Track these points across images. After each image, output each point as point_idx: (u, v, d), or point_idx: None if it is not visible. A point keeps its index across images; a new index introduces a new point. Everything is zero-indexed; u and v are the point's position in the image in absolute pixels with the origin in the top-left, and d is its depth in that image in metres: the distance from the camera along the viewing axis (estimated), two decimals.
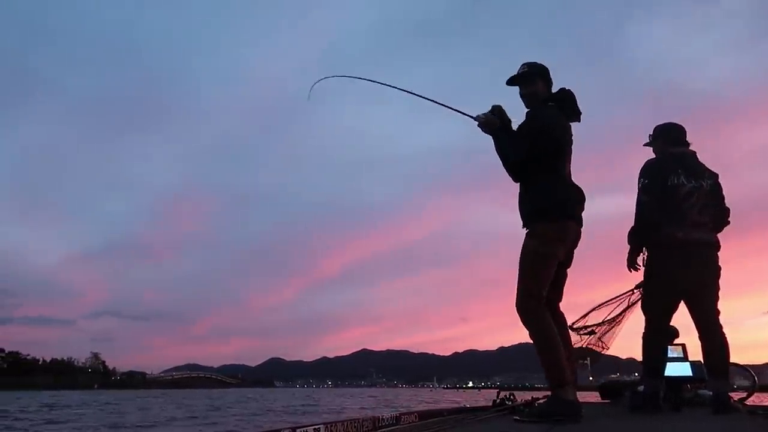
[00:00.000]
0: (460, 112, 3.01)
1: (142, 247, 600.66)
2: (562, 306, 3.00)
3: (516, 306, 2.77)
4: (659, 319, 3.64)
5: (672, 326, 4.09)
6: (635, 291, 4.24)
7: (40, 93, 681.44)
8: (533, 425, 2.56)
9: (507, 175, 2.94)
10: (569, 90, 2.95)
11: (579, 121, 2.95)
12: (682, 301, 3.61)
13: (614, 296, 4.50)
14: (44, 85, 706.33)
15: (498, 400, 3.91)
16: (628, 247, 3.74)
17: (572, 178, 2.97)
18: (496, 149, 2.89)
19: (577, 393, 2.71)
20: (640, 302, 3.90)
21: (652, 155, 3.83)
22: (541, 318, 2.70)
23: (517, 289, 2.79)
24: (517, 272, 2.83)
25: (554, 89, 2.99)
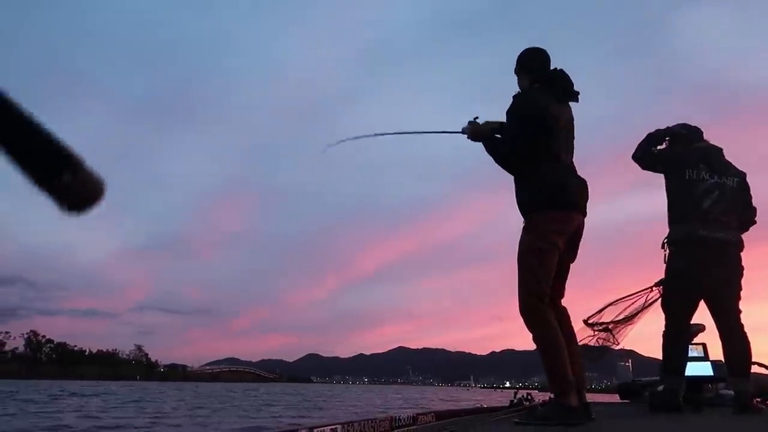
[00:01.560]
0: (447, 132, 2.89)
1: (184, 243, 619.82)
2: (570, 301, 2.78)
3: (519, 309, 2.58)
4: (679, 318, 3.52)
5: (698, 323, 4.02)
6: (654, 289, 4.06)
7: (84, 94, 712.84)
8: (544, 428, 2.50)
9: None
10: (560, 70, 2.76)
11: (575, 101, 2.76)
12: (702, 301, 3.51)
13: (632, 292, 4.29)
14: (88, 85, 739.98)
15: (515, 401, 3.86)
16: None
17: (579, 171, 2.76)
18: (488, 152, 2.74)
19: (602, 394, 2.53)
20: (659, 301, 3.74)
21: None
22: (543, 319, 2.52)
23: (518, 288, 2.59)
24: (517, 277, 2.62)
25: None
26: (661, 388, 3.78)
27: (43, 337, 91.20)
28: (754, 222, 3.63)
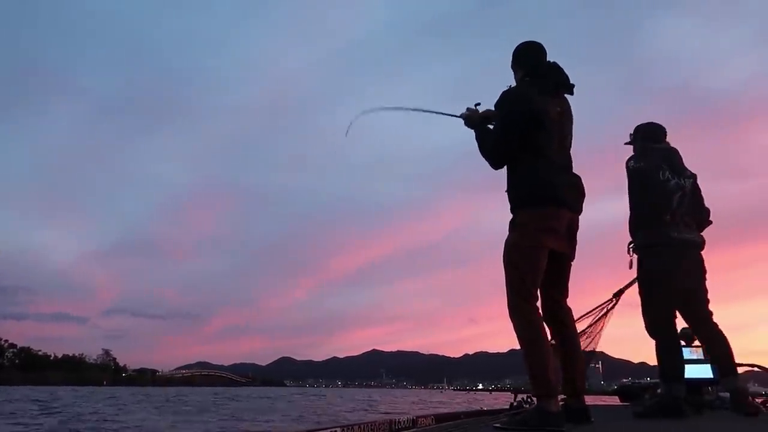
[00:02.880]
0: (446, 114, 2.84)
1: (156, 245, 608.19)
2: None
3: (508, 311, 2.48)
4: (666, 323, 3.49)
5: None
6: (613, 299, 4.06)
7: (55, 93, 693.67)
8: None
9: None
10: (553, 63, 2.69)
11: (571, 93, 2.69)
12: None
13: (592, 308, 4.30)
14: (60, 85, 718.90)
15: (515, 403, 3.82)
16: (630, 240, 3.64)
17: (574, 168, 2.66)
18: (479, 141, 2.70)
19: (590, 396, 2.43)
20: (639, 308, 3.64)
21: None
22: (528, 320, 2.43)
23: (507, 294, 2.49)
24: (505, 280, 2.52)
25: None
26: (660, 390, 3.74)
27: (6, 341, 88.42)
28: (710, 222, 3.69)
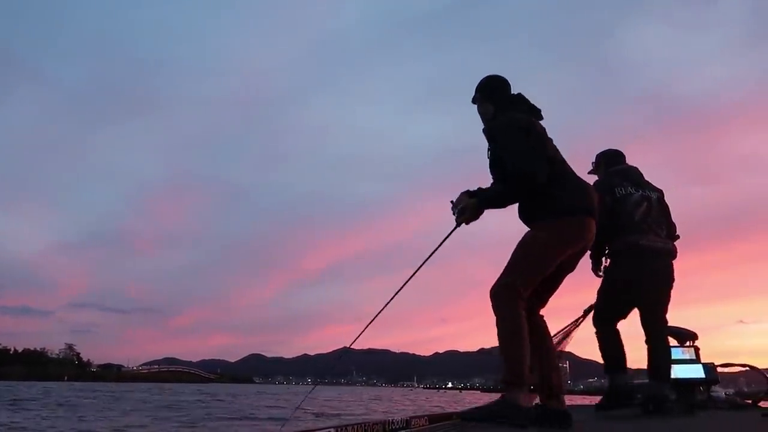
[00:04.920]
0: (451, 232, 2.60)
1: (124, 238, 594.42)
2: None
3: (491, 290, 2.40)
4: (611, 317, 3.65)
5: (690, 330, 4.38)
6: (583, 315, 4.09)
7: (22, 81, 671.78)
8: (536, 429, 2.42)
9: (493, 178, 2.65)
10: (518, 94, 2.74)
11: (541, 118, 2.73)
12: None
13: (563, 327, 4.31)
14: (27, 73, 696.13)
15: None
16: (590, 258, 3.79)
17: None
18: (497, 204, 2.55)
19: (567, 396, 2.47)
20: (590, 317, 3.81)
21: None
22: (513, 307, 2.35)
23: (502, 275, 2.42)
24: (507, 261, 2.44)
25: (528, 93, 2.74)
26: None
27: None
28: (677, 237, 3.78)
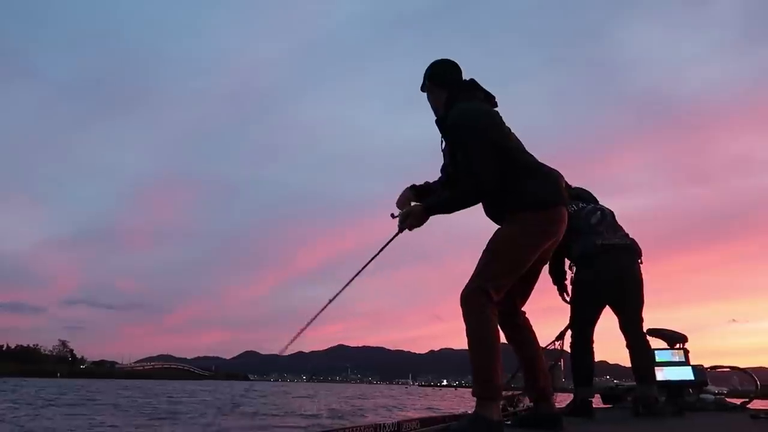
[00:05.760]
0: (390, 240, 2.43)
1: (116, 234, 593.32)
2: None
3: (461, 295, 2.24)
4: (584, 328, 3.63)
5: (680, 333, 4.38)
6: (557, 342, 4.07)
7: (14, 76, 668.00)
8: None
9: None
10: (471, 79, 2.52)
11: (495, 106, 2.53)
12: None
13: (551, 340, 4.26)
14: (18, 68, 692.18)
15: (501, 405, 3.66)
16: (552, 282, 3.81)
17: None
18: (445, 211, 2.35)
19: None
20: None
21: None
22: (483, 314, 2.19)
23: (472, 279, 2.25)
24: (478, 261, 2.29)
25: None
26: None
27: None
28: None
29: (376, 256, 2.44)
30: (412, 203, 2.47)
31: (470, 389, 2.22)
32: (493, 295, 2.20)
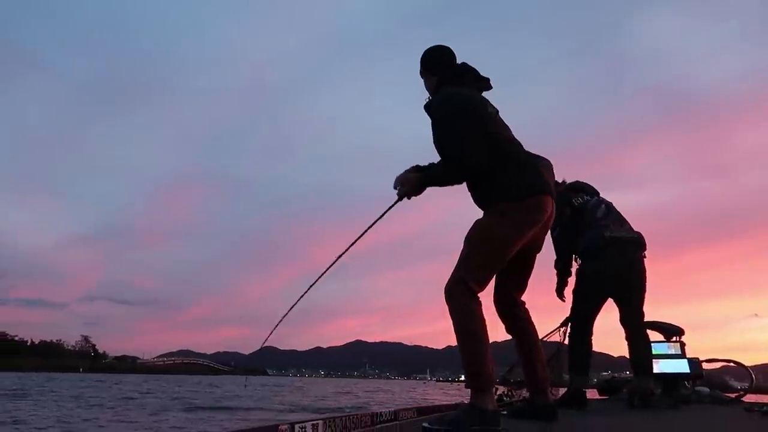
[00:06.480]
0: (390, 208, 2.53)
1: (135, 231, 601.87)
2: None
3: (445, 290, 2.23)
4: (585, 320, 3.65)
5: (677, 326, 4.41)
6: (561, 328, 4.04)
7: (34, 73, 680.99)
8: (525, 423, 2.42)
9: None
10: (464, 63, 2.55)
11: (489, 88, 2.54)
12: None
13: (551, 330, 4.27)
14: (38, 65, 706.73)
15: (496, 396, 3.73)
16: (556, 277, 3.84)
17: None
18: (439, 183, 2.41)
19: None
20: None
21: None
22: (468, 308, 2.19)
23: (454, 272, 2.24)
24: (460, 252, 2.27)
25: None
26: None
27: None
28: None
29: (373, 224, 2.53)
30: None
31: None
32: (474, 288, 2.19)
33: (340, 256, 2.64)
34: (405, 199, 2.46)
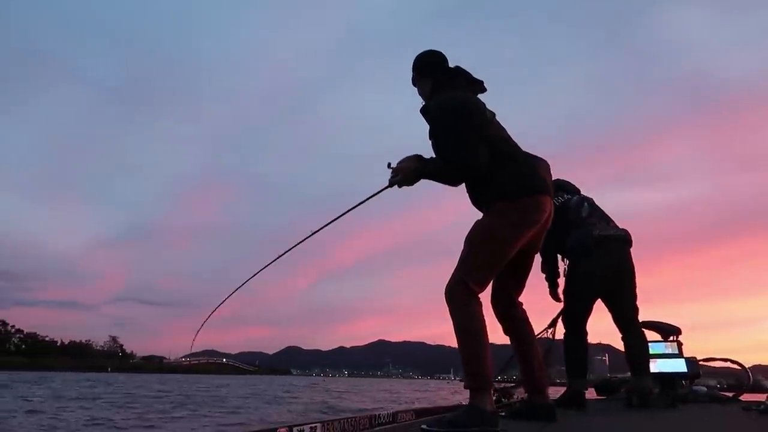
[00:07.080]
0: (378, 192, 2.48)
1: (160, 233, 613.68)
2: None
3: (445, 291, 2.25)
4: (579, 321, 3.60)
5: (674, 325, 4.38)
6: (549, 329, 3.99)
7: (59, 80, 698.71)
8: (524, 423, 2.41)
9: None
10: (457, 66, 2.56)
11: (483, 91, 2.55)
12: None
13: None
14: (64, 72, 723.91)
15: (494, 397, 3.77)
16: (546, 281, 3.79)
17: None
18: (437, 179, 2.39)
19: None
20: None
21: None
22: (468, 308, 2.21)
23: (454, 272, 2.25)
24: (461, 253, 2.29)
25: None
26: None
27: (13, 327, 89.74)
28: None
29: (355, 207, 2.51)
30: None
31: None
32: (474, 288, 2.20)
33: (313, 233, 2.64)
34: (395, 187, 2.40)
